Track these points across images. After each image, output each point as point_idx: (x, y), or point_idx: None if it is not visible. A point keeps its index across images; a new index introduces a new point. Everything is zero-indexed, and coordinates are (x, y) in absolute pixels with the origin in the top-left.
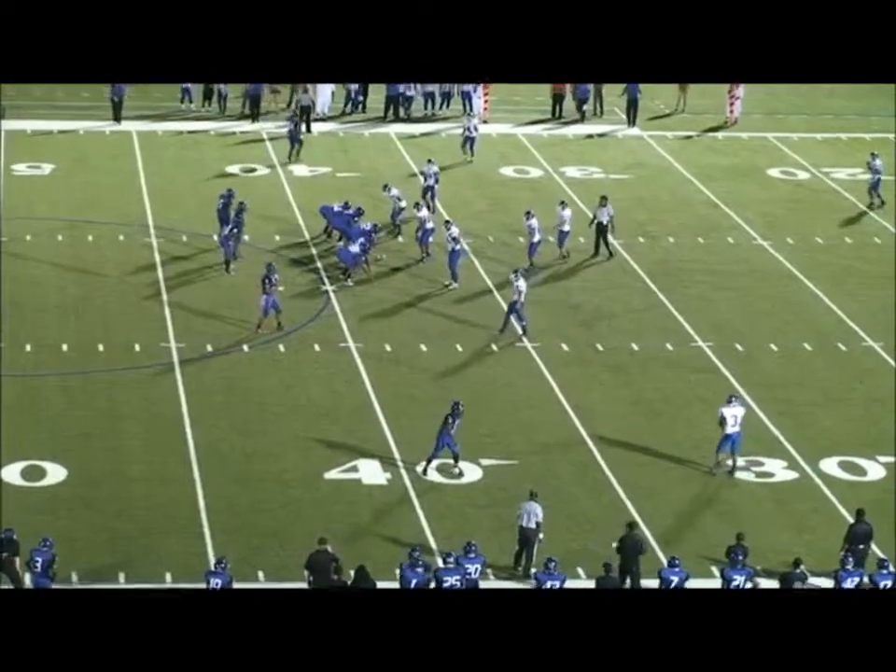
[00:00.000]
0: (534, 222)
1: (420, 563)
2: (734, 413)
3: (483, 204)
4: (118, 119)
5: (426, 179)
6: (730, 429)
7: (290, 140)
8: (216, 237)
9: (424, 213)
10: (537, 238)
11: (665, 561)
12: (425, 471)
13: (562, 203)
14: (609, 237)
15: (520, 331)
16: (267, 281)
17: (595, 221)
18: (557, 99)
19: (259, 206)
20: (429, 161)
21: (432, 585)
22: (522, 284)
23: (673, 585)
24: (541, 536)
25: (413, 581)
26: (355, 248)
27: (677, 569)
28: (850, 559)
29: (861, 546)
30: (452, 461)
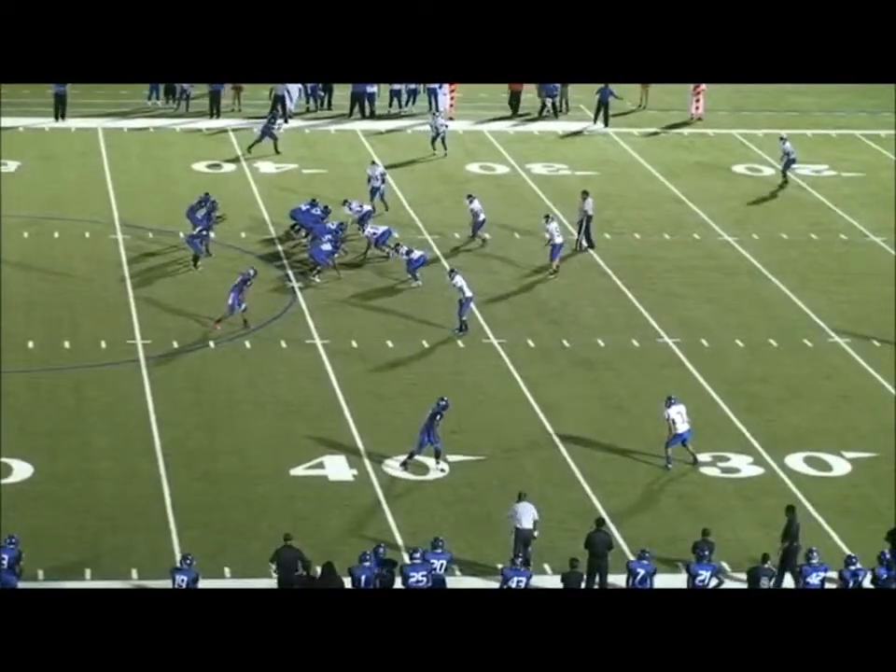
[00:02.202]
0: (553, 226)
1: (367, 558)
2: (678, 411)
3: (450, 201)
4: (62, 116)
5: (370, 181)
6: (681, 428)
7: (263, 134)
8: (182, 235)
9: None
10: (559, 240)
11: (631, 556)
12: (405, 465)
13: (546, 216)
14: (591, 231)
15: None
16: (245, 284)
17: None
18: (515, 96)
19: (225, 203)
20: (373, 162)
21: (399, 582)
22: (459, 280)
23: (640, 577)
24: (536, 534)
25: (363, 578)
26: (326, 246)
27: (645, 562)
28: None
29: (796, 543)
30: (434, 458)
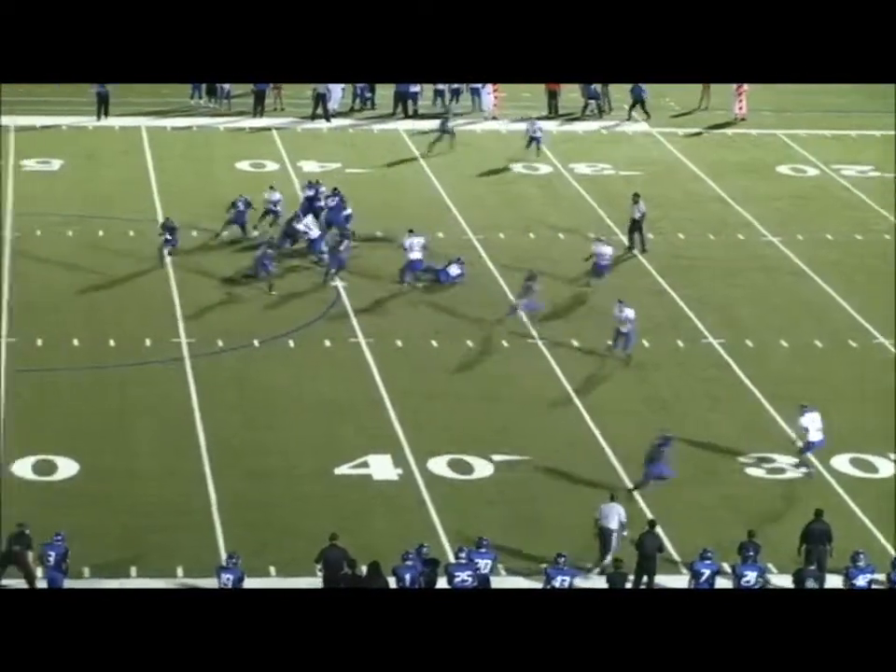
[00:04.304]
0: (606, 250)
1: (410, 557)
2: (812, 419)
3: (494, 201)
4: (104, 114)
5: (268, 205)
6: (814, 437)
7: (442, 132)
8: (225, 234)
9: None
10: (606, 262)
11: (678, 558)
12: (631, 492)
13: (599, 239)
14: (645, 232)
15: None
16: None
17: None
18: (552, 95)
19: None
20: (271, 187)
21: (443, 581)
22: (409, 241)
23: (704, 577)
24: (625, 533)
25: (407, 577)
26: (344, 248)
27: (708, 561)
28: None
29: (821, 546)
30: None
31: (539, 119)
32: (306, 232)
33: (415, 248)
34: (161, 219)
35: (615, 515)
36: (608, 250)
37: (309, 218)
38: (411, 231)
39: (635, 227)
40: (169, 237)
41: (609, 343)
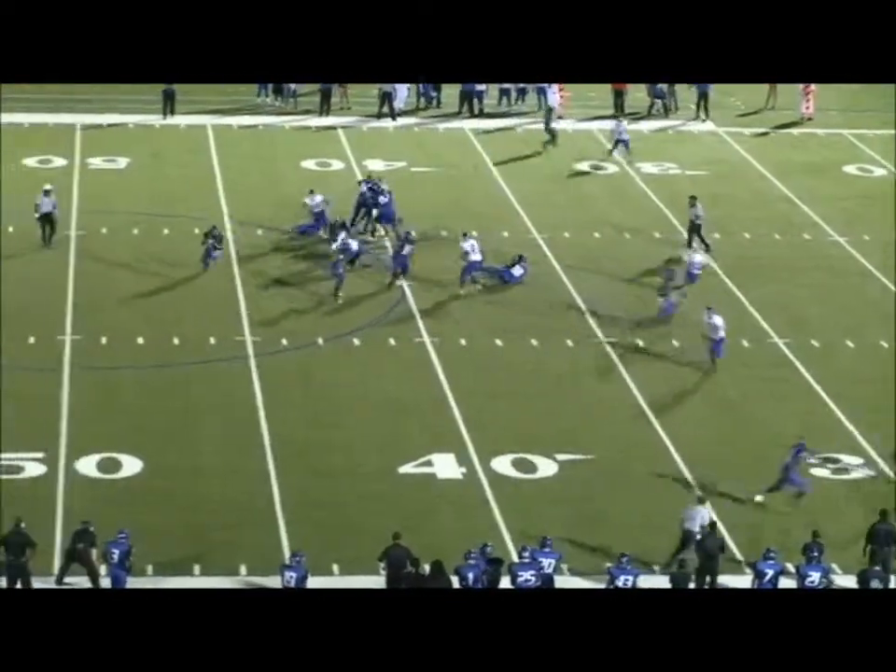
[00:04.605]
0: (698, 258)
1: (473, 556)
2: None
3: (559, 200)
4: (170, 112)
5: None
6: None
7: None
8: (290, 228)
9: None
10: (696, 270)
11: (741, 557)
12: (763, 495)
13: (690, 246)
14: (703, 233)
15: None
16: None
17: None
18: (618, 95)
19: (334, 201)
20: (311, 191)
21: (507, 581)
22: (467, 244)
23: (768, 577)
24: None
25: (470, 576)
26: (406, 250)
27: (771, 561)
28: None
29: (886, 547)
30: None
31: (610, 117)
32: (345, 249)
33: (475, 250)
34: (227, 219)
35: (699, 518)
36: (700, 259)
37: (342, 236)
38: (465, 234)
39: (693, 229)
40: (217, 246)
41: (707, 354)
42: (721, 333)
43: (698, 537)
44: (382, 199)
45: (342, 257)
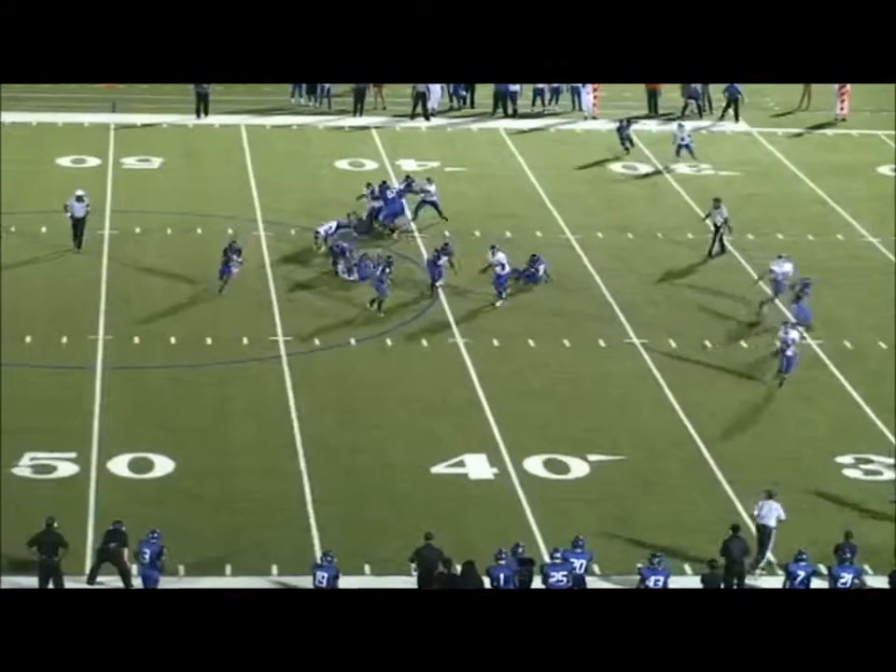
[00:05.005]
0: (787, 267)
1: (503, 556)
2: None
3: (592, 200)
4: (204, 112)
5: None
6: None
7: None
8: (321, 230)
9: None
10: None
11: (772, 558)
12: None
13: (779, 256)
14: (725, 238)
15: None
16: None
17: (711, 222)
18: (652, 95)
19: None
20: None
21: (538, 581)
22: (501, 256)
23: (799, 579)
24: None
25: (502, 577)
26: (443, 261)
27: (803, 563)
28: None
29: None
30: None
31: (645, 117)
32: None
33: (504, 262)
34: (259, 219)
35: (773, 512)
36: (788, 267)
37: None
38: (494, 248)
39: (717, 231)
40: (235, 260)
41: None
42: (794, 349)
43: (774, 532)
44: (428, 194)
45: (387, 270)
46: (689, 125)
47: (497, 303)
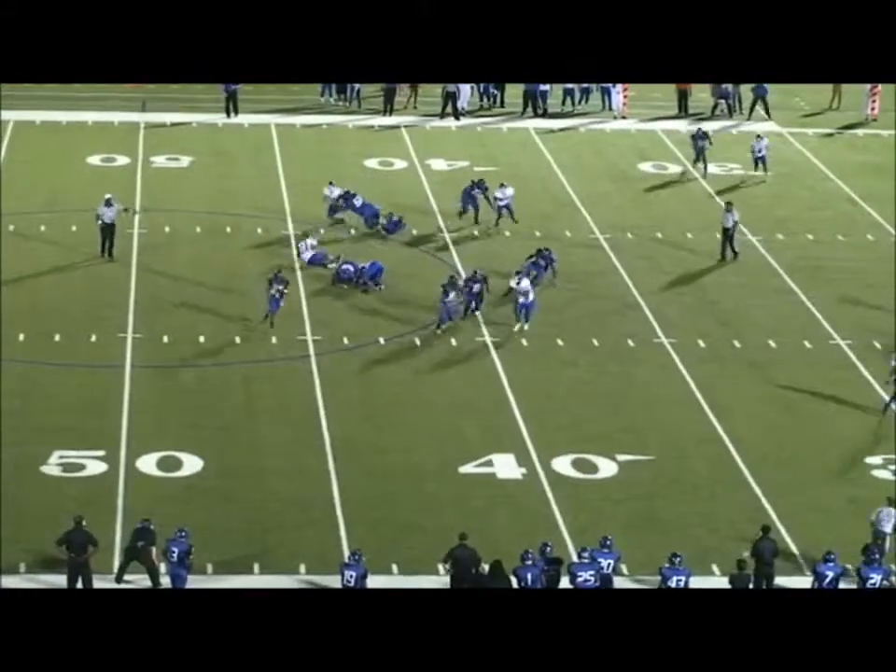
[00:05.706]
0: None
1: (529, 557)
2: None
3: (622, 200)
4: (234, 111)
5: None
6: None
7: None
8: (353, 231)
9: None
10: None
11: (801, 558)
12: None
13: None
14: (734, 241)
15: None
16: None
17: (721, 227)
18: (682, 95)
19: (397, 200)
20: (331, 182)
21: (566, 581)
22: (525, 284)
23: (828, 580)
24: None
25: (529, 577)
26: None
27: (831, 564)
28: None
29: None
30: None
31: (674, 117)
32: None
33: (529, 290)
34: (289, 218)
35: (891, 519)
36: None
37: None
38: (518, 273)
39: (726, 235)
40: (282, 292)
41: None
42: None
43: (889, 538)
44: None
45: (452, 298)
46: (723, 123)
47: (516, 328)
